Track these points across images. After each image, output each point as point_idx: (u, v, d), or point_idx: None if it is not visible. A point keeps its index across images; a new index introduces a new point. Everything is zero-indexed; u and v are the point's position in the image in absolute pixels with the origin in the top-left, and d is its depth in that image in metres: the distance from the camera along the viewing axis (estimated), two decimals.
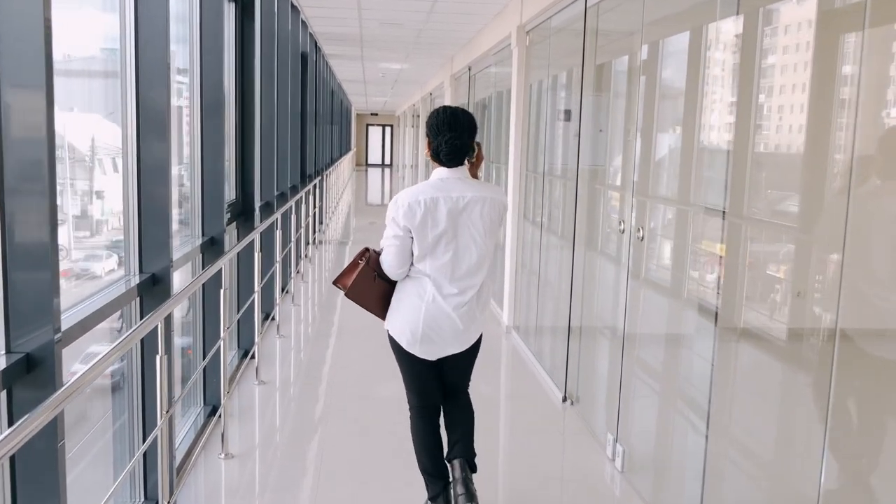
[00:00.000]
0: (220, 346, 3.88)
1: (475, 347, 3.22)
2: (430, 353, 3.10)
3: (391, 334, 3.13)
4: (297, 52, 8.99)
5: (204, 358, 4.19)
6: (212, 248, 4.37)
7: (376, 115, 35.00)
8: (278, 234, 6.25)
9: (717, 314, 3.04)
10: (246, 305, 5.28)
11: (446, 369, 3.22)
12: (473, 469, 3.18)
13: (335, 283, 3.10)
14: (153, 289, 3.21)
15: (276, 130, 7.73)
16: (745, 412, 3.00)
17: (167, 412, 2.69)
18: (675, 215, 3.59)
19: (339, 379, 5.41)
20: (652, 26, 3.78)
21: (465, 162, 3.08)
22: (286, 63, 8.13)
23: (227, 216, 5.19)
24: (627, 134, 4.09)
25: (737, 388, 3.03)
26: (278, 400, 4.97)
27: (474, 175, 3.17)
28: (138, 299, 3.22)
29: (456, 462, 3.13)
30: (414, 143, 21.65)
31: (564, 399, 4.92)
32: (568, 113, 5.45)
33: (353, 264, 3.10)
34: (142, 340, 3.15)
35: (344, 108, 24.11)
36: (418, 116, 20.06)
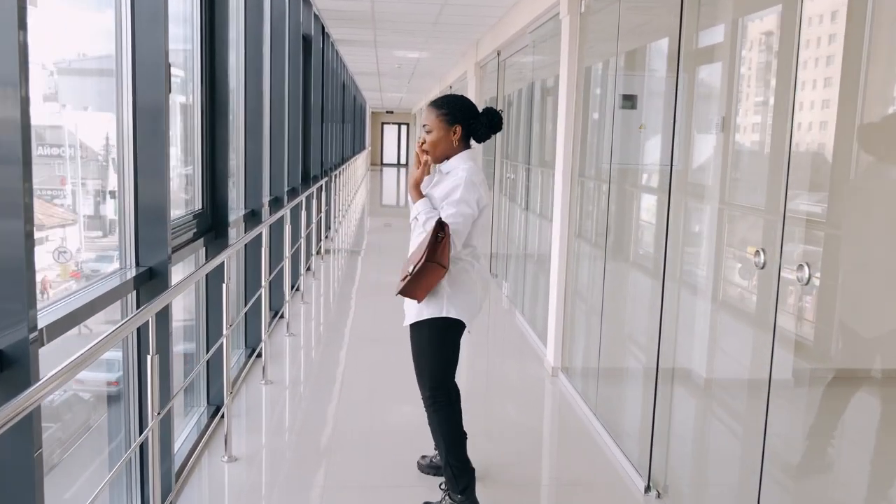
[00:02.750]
0: (149, 437, 2.56)
1: None
2: (477, 318, 3.26)
3: (452, 317, 3.09)
4: (297, 34, 7.67)
5: (136, 438, 2.89)
6: (150, 282, 3.05)
7: (392, 112, 33.72)
8: (265, 251, 4.92)
9: None
10: (213, 350, 3.96)
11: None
12: None
13: (432, 261, 2.92)
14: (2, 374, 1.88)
15: (268, 126, 6.43)
16: None
17: None
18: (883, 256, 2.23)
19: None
20: None
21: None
22: (282, 46, 6.81)
23: (191, 232, 3.88)
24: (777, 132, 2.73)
25: None
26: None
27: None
28: None
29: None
30: None
31: (648, 489, 3.55)
32: (639, 100, 4.11)
33: (444, 244, 2.94)
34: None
35: (358, 105, 22.80)
36: None
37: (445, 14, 7.80)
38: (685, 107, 3.35)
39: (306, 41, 8.45)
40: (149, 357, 2.49)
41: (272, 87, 6.53)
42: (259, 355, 5.05)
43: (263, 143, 6.04)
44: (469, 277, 3.13)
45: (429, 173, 3.17)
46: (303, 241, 7.46)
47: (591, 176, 4.88)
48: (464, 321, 3.12)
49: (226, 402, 3.74)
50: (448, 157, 3.15)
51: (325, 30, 9.63)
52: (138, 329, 2.94)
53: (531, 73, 6.80)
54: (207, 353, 4.15)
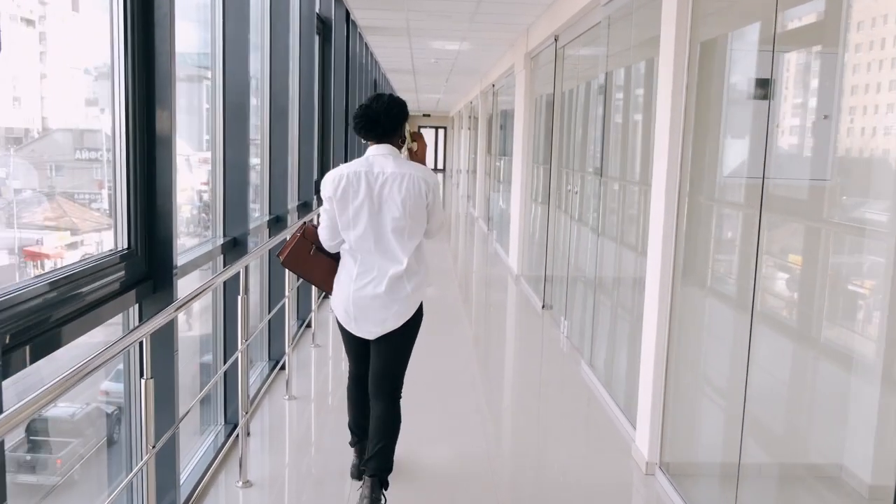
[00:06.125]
0: None
1: (407, 332, 3.23)
2: (362, 331, 3.21)
3: (332, 308, 3.28)
4: (311, 15, 6.26)
5: None
6: None
7: (428, 115, 32.35)
8: (242, 298, 3.49)
9: None
10: (161, 443, 2.52)
11: (375, 352, 3.26)
12: (385, 486, 3.21)
13: (279, 255, 3.30)
14: None
15: (267, 129, 5.04)
16: None
17: None
18: None
19: None
20: None
21: (402, 148, 3.27)
22: (285, 28, 5.37)
23: (115, 283, 2.47)
24: None
25: None
26: None
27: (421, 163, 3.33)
28: None
29: (367, 479, 3.16)
30: (471, 145, 18.84)
31: None
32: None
33: (293, 237, 3.30)
34: None
35: None
36: (476, 118, 17.20)
37: None
38: None
39: (324, 25, 7.05)
40: None
41: (272, 79, 5.14)
42: (241, 431, 3.62)
43: (258, 152, 4.65)
44: (342, 271, 3.21)
45: None
46: None
47: (722, 197, 3.36)
48: (338, 317, 3.24)
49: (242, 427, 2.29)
50: None
51: (350, 15, 8.22)
52: None
53: (605, 59, 5.28)
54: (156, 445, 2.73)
